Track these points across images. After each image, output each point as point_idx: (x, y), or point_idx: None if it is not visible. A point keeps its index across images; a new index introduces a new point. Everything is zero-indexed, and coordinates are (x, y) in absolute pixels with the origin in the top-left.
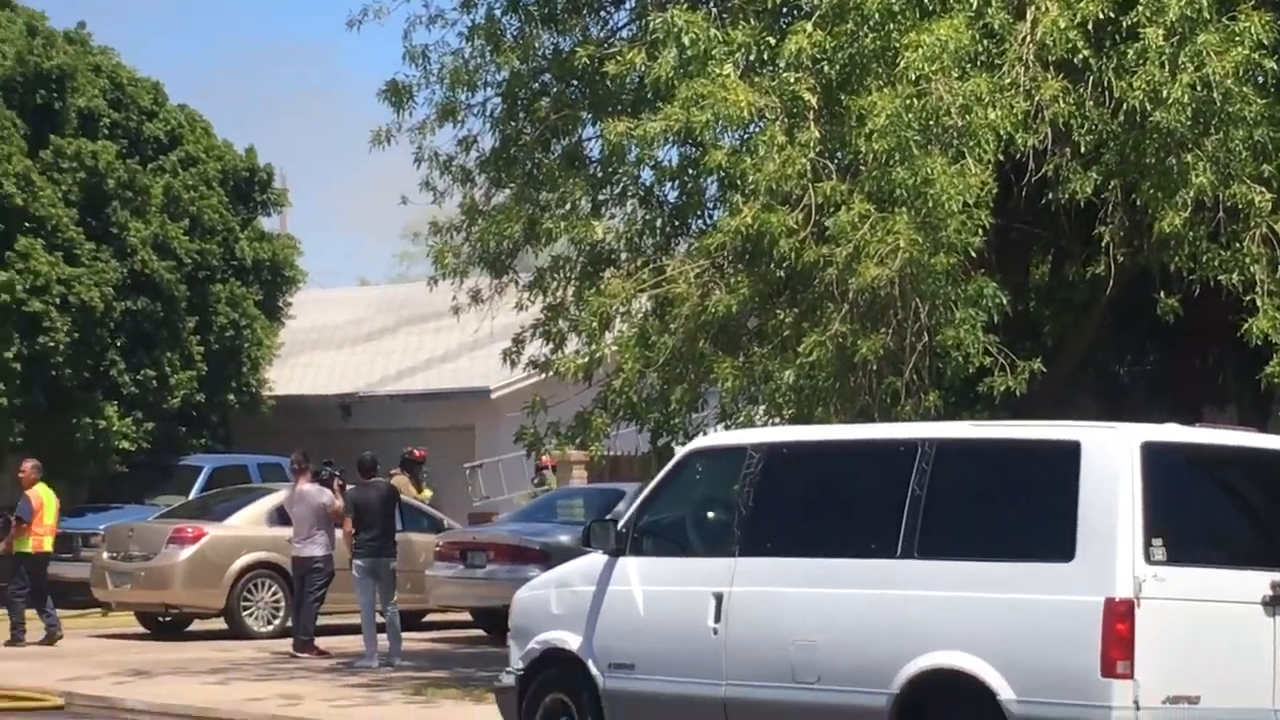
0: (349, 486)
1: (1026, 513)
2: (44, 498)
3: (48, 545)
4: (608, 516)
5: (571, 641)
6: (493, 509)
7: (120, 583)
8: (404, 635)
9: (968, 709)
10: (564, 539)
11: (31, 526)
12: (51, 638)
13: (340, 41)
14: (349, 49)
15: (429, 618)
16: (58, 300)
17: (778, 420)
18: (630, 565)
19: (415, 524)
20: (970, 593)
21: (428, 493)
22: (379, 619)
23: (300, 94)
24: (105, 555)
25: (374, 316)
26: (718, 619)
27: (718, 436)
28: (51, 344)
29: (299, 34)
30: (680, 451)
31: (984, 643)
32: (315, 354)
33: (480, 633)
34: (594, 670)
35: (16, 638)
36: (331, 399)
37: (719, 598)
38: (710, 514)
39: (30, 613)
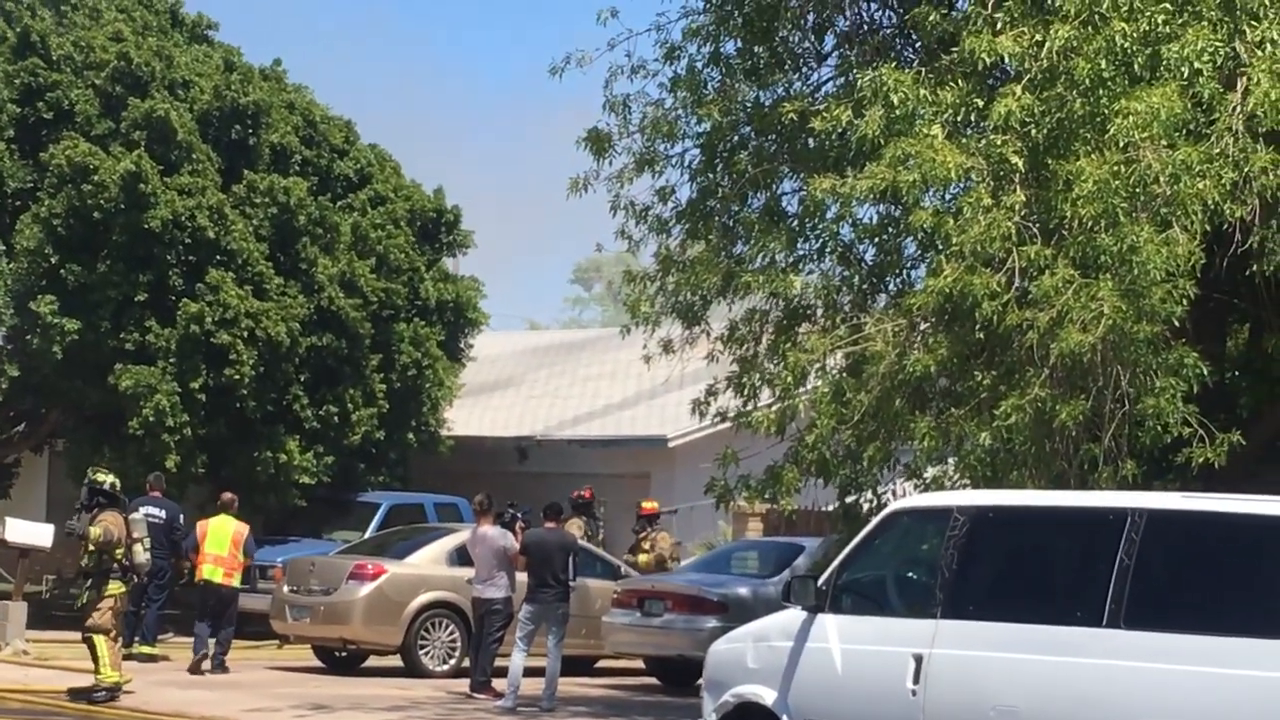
0: (529, 529)
1: (1242, 587)
2: (208, 529)
3: (208, 574)
4: (798, 571)
5: (767, 696)
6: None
7: (299, 616)
8: (578, 680)
9: None
10: (742, 591)
11: (196, 557)
12: (196, 664)
13: (522, 87)
14: (529, 95)
15: (601, 664)
16: (245, 334)
17: (968, 483)
18: (829, 622)
19: (591, 570)
20: (1178, 665)
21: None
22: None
23: (464, 132)
24: (285, 589)
25: (549, 360)
26: (917, 680)
27: (922, 497)
28: (237, 376)
29: (488, 80)
30: (884, 511)
31: (1190, 717)
32: (492, 396)
33: (653, 681)
34: None
35: (197, 665)
36: (508, 441)
37: (919, 659)
38: (912, 574)
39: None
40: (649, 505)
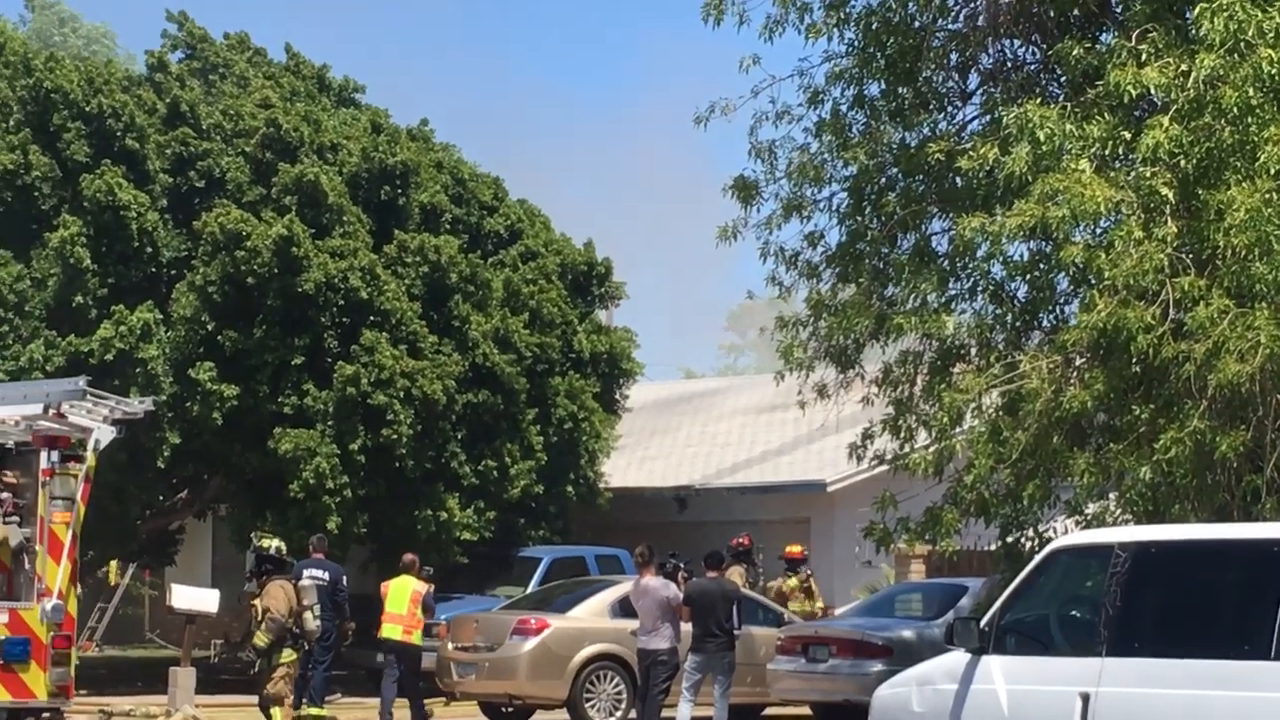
0: (691, 579)
1: None
2: (389, 589)
3: (386, 633)
4: (961, 612)
5: None
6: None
7: (465, 673)
8: None
9: None
10: (906, 634)
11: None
12: None
13: (663, 133)
14: (670, 140)
15: (767, 711)
16: (401, 393)
17: (1130, 518)
18: (993, 663)
19: (754, 617)
20: None
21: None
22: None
23: (616, 181)
24: (450, 645)
25: (705, 408)
26: (1084, 719)
27: (1083, 534)
28: (395, 436)
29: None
30: (1044, 550)
31: None
32: (649, 446)
33: None
34: None
35: None
36: (667, 491)
37: (1085, 698)
38: (1075, 613)
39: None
40: (796, 549)
